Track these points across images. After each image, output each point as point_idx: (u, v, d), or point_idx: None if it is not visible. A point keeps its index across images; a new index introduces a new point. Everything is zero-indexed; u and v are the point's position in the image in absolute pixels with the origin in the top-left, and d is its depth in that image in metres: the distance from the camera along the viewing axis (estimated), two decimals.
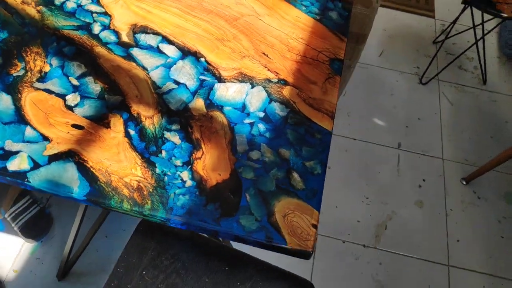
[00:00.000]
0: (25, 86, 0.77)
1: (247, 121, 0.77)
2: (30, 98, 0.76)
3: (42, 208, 1.44)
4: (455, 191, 1.68)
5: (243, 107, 0.79)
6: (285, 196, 0.69)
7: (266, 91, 0.82)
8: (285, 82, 0.83)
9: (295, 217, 0.66)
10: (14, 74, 0.79)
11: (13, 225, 1.39)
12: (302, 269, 1.45)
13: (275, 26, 0.93)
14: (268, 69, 0.85)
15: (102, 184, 0.67)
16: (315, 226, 0.65)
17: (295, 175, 0.71)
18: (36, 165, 0.69)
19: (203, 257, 0.83)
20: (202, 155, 0.72)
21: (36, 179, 0.67)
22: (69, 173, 0.68)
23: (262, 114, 0.78)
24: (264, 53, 0.88)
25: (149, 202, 0.67)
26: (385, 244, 1.52)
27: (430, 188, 1.68)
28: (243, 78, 0.83)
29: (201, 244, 0.85)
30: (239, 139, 0.75)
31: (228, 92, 0.81)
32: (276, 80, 0.84)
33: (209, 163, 0.71)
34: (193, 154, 0.72)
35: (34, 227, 1.41)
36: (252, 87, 0.82)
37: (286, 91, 0.82)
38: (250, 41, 0.90)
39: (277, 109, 0.79)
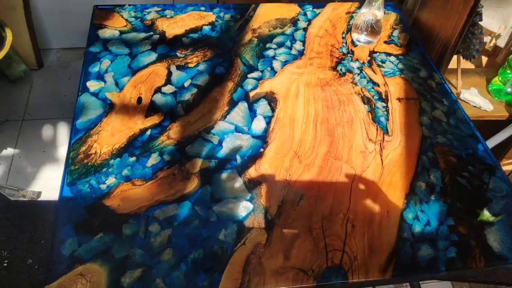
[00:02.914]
0: (169, 62, 0.97)
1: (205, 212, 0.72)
2: (156, 68, 0.95)
3: None
4: None
5: (218, 199, 0.73)
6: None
7: (248, 214, 0.72)
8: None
9: None
10: (177, 53, 0.99)
11: None
12: None
13: (355, 196, 0.77)
14: (273, 210, 0.73)
15: (88, 134, 0.81)
16: None
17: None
18: (95, 94, 0.88)
19: None
20: (142, 184, 0.74)
21: (84, 98, 0.87)
22: (95, 112, 0.84)
23: (214, 219, 0.71)
24: (302, 196, 0.75)
25: (87, 167, 0.75)
26: None
27: None
28: (254, 186, 0.76)
29: None
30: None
31: (230, 182, 0.76)
32: (263, 223, 0.72)
33: (131, 194, 0.72)
34: (140, 181, 0.75)
35: None
36: (247, 200, 0.74)
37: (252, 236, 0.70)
38: (312, 181, 0.78)
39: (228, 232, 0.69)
